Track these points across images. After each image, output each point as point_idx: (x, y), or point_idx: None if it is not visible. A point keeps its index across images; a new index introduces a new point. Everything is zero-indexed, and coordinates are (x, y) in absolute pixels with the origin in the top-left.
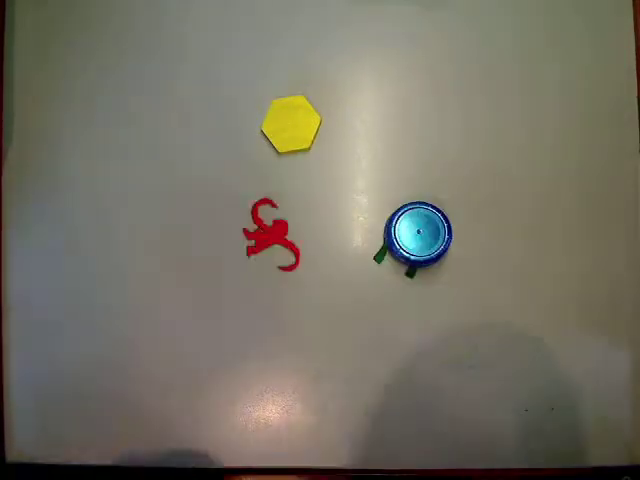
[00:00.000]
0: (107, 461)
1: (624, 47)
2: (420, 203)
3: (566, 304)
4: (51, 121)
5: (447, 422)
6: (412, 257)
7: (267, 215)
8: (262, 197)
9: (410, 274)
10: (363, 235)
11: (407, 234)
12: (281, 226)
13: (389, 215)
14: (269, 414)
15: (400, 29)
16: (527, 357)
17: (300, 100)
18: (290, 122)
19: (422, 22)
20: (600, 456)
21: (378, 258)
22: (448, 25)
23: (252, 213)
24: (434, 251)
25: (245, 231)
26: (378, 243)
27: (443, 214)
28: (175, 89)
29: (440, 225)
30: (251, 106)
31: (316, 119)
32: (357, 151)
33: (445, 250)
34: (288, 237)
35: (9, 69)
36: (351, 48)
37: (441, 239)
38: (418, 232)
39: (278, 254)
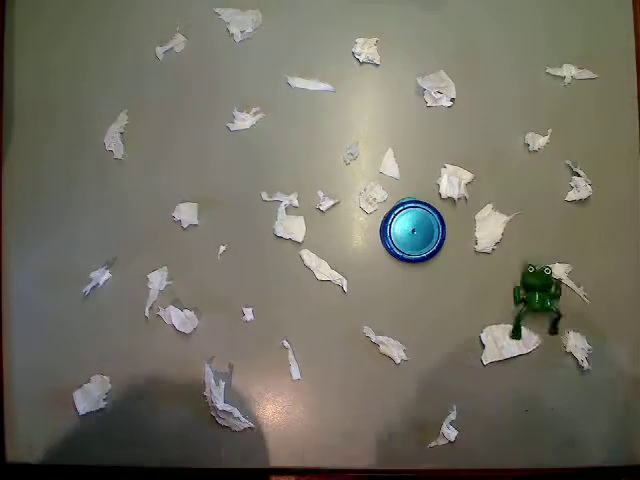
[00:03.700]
0: (107, 461)
1: (624, 47)
2: (417, 202)
3: (566, 304)
4: (51, 121)
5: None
6: (405, 256)
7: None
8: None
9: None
10: (362, 235)
11: (402, 233)
12: None
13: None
14: (269, 414)
15: (401, 28)
16: (527, 357)
17: None
18: None
19: (423, 21)
20: (600, 456)
21: (516, 334)
22: (448, 25)
23: None
24: (427, 251)
25: None
26: (378, 243)
27: (439, 214)
28: (177, 88)
29: (435, 225)
30: (249, 106)
31: None
32: (357, 151)
33: (437, 250)
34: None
35: (9, 69)
36: (351, 45)
37: (434, 239)
38: (413, 231)
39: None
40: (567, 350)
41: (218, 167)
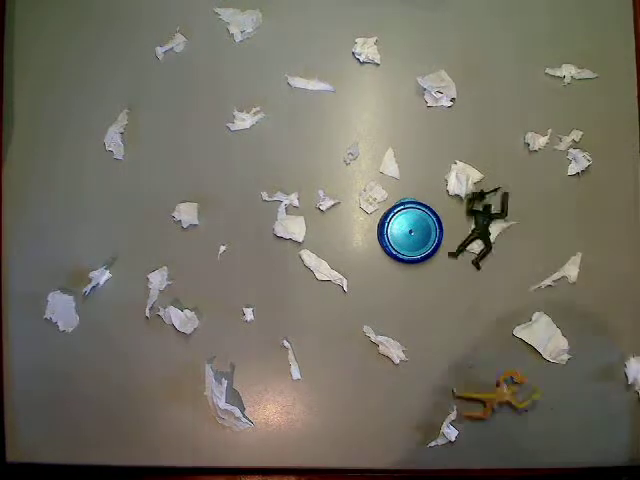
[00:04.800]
0: (106, 461)
1: (624, 47)
2: (417, 203)
3: (566, 304)
4: (51, 122)
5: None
6: (400, 256)
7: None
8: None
9: None
10: (363, 235)
11: (399, 233)
12: None
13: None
14: (269, 414)
15: (401, 28)
16: (527, 357)
17: None
18: None
19: (423, 21)
20: (600, 456)
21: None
22: (448, 25)
23: None
24: (422, 253)
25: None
26: (378, 243)
27: (437, 215)
28: (177, 89)
29: (432, 226)
30: (249, 106)
31: None
32: (357, 152)
33: (432, 253)
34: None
35: (9, 69)
36: (351, 45)
37: (431, 242)
38: (410, 232)
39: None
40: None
41: (218, 167)
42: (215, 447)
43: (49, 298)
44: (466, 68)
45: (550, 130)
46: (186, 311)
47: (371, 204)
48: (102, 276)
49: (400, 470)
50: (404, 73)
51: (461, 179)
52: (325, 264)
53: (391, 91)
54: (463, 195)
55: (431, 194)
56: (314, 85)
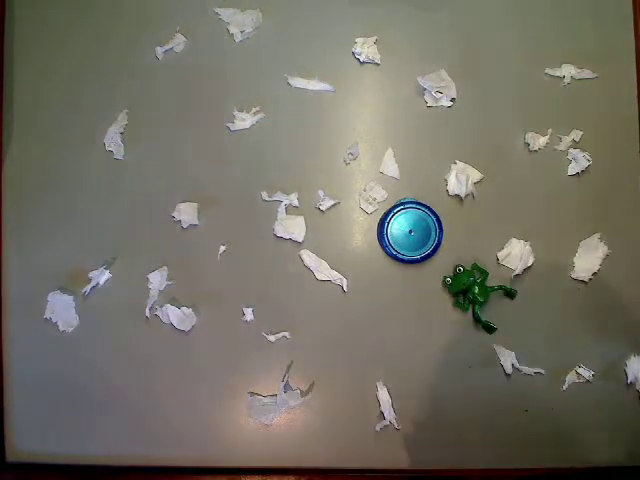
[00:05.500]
0: (107, 461)
1: (624, 47)
2: (417, 203)
3: (567, 304)
4: (51, 122)
5: (447, 422)
6: (399, 255)
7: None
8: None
9: (487, 328)
10: (362, 235)
11: (399, 233)
12: None
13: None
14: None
15: (401, 28)
16: (527, 357)
17: None
18: None
19: (423, 21)
20: (600, 456)
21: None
22: (448, 25)
23: None
24: (421, 253)
25: None
26: (377, 243)
27: (437, 215)
28: (177, 89)
29: (432, 226)
30: (249, 106)
31: None
32: (357, 152)
33: (432, 254)
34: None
35: (9, 69)
36: (351, 45)
37: (430, 242)
38: (410, 232)
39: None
40: (567, 350)
41: (218, 167)
42: (215, 447)
43: (49, 298)
44: (466, 68)
45: (550, 130)
46: (183, 308)
47: (371, 204)
48: (102, 276)
49: (400, 470)
50: (404, 73)
51: (461, 179)
52: (325, 264)
53: (391, 91)
54: (463, 195)
55: (431, 194)
56: (314, 85)
